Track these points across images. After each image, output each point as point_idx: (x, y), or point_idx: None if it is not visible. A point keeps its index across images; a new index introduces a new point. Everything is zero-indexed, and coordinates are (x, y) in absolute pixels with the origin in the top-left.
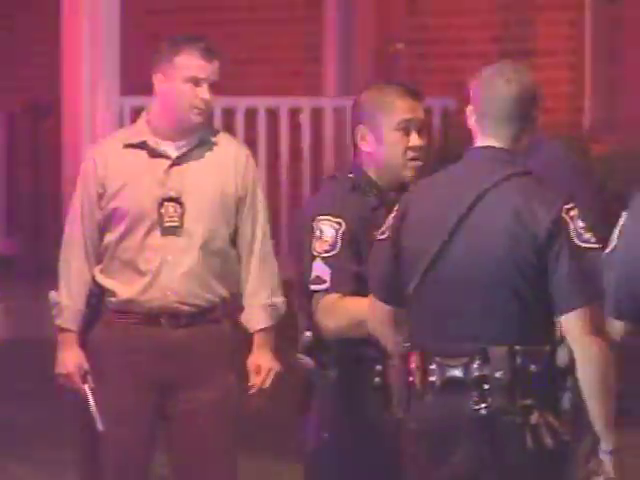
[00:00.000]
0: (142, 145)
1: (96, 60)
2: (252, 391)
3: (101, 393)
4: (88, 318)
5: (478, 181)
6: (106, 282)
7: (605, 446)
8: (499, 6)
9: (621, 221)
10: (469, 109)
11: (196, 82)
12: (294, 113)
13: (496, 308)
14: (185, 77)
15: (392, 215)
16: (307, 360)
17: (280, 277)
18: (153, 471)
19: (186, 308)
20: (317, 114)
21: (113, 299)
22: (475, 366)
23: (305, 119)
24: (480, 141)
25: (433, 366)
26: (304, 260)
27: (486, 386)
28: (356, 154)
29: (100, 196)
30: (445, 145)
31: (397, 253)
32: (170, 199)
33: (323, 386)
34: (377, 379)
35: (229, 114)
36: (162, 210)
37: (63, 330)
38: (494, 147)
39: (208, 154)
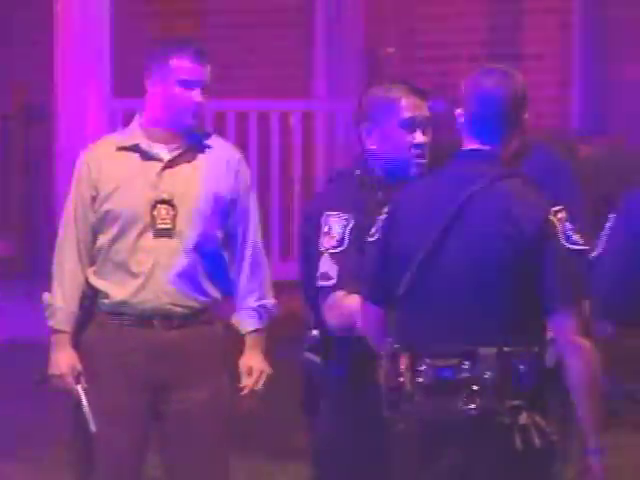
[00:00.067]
0: (135, 148)
1: (88, 62)
2: (244, 392)
3: (94, 394)
4: (81, 320)
5: (468, 183)
6: (99, 284)
7: (592, 446)
8: (488, 10)
9: (609, 223)
10: (459, 112)
11: (188, 85)
12: (285, 116)
13: (485, 309)
14: (178, 80)
15: (382, 217)
16: (314, 357)
17: (271, 279)
18: (145, 472)
19: (179, 309)
20: (308, 117)
21: (106, 301)
22: (464, 367)
23: (296, 122)
24: (470, 143)
25: (423, 367)
26: (311, 256)
27: (475, 387)
28: (362, 151)
29: (93, 199)
30: (435, 148)
31: (387, 254)
32: (162, 201)
33: (330, 383)
34: None
35: (220, 117)
36: (154, 212)
37: (56, 331)
38: (484, 149)
39: (200, 157)
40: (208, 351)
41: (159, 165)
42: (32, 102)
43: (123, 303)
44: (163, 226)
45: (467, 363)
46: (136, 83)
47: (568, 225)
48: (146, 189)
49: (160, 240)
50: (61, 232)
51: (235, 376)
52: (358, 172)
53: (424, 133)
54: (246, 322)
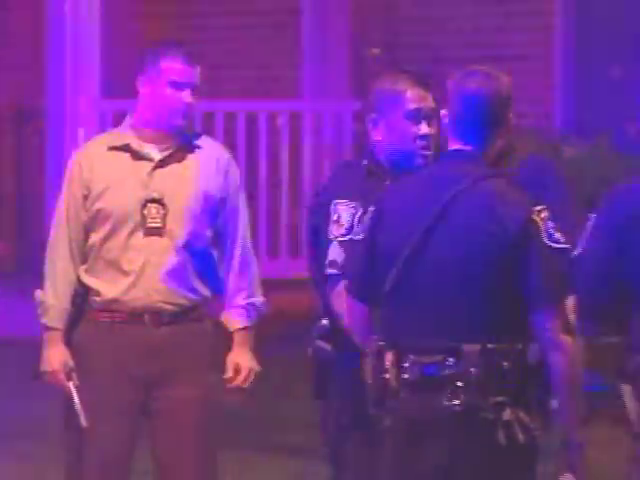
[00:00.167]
0: (126, 148)
1: (79, 64)
2: (230, 386)
3: (85, 390)
4: (73, 317)
5: (453, 183)
6: (91, 281)
7: (573, 440)
8: (472, 12)
9: (590, 222)
10: (443, 112)
11: (179, 86)
12: (272, 116)
13: (470, 306)
14: (168, 81)
15: (368, 215)
16: (325, 345)
17: (259, 277)
18: (135, 467)
19: (169, 307)
20: (295, 117)
21: (97, 298)
22: (449, 363)
23: (283, 122)
24: (455, 144)
25: (407, 363)
26: (321, 245)
27: (459, 383)
28: (368, 142)
29: (85, 198)
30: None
31: (373, 253)
32: (153, 200)
33: (341, 371)
34: None
35: (208, 117)
36: (145, 211)
37: (49, 328)
38: (468, 150)
39: (190, 157)
40: (198, 348)
41: (150, 165)
42: (23, 103)
43: (114, 301)
44: (153, 225)
45: (451, 359)
46: (126, 84)
47: (550, 224)
48: (137, 188)
49: (150, 239)
50: (53, 231)
51: (224, 373)
52: (365, 162)
53: (429, 124)
54: (235, 320)
